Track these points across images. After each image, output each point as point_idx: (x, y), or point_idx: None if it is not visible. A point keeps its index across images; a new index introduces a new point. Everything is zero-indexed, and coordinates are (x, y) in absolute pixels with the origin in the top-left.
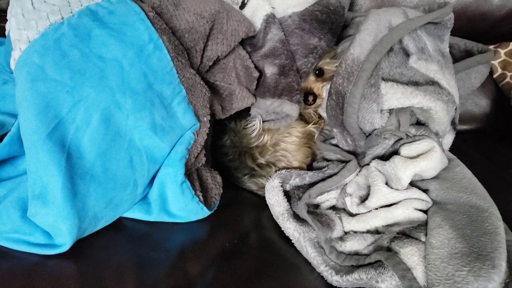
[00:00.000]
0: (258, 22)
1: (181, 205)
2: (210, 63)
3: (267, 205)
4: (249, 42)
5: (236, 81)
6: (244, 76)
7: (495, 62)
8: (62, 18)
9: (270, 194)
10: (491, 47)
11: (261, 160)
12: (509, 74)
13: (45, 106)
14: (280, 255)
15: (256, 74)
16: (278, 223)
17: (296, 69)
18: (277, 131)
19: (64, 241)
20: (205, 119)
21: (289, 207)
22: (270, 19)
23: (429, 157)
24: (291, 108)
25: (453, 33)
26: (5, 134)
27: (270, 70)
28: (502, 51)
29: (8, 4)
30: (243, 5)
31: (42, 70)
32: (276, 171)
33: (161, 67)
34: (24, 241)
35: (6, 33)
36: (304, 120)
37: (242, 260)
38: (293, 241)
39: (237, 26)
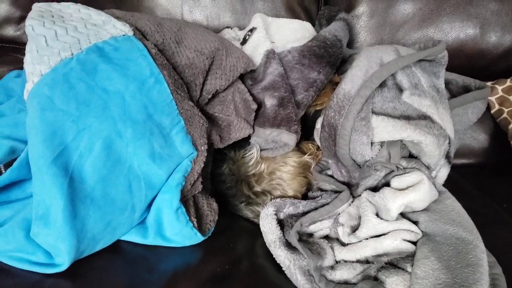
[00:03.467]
0: (258, 57)
1: (176, 230)
2: (209, 96)
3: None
4: (250, 75)
5: (234, 113)
6: (242, 108)
7: (493, 98)
8: (72, 54)
9: (264, 222)
10: (489, 83)
11: (257, 188)
12: (506, 110)
13: (52, 133)
14: (270, 282)
15: (254, 106)
16: (270, 251)
17: (297, 102)
18: (274, 161)
19: (63, 261)
20: (202, 148)
21: (281, 235)
22: (270, 54)
23: (417, 189)
24: (289, 138)
25: (452, 69)
26: (15, 159)
27: (270, 102)
28: (499, 88)
29: None
30: (244, 41)
31: (51, 101)
32: (271, 199)
33: (160, 100)
34: (27, 260)
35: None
36: (301, 151)
37: (231, 285)
38: (283, 268)
39: (236, 62)
